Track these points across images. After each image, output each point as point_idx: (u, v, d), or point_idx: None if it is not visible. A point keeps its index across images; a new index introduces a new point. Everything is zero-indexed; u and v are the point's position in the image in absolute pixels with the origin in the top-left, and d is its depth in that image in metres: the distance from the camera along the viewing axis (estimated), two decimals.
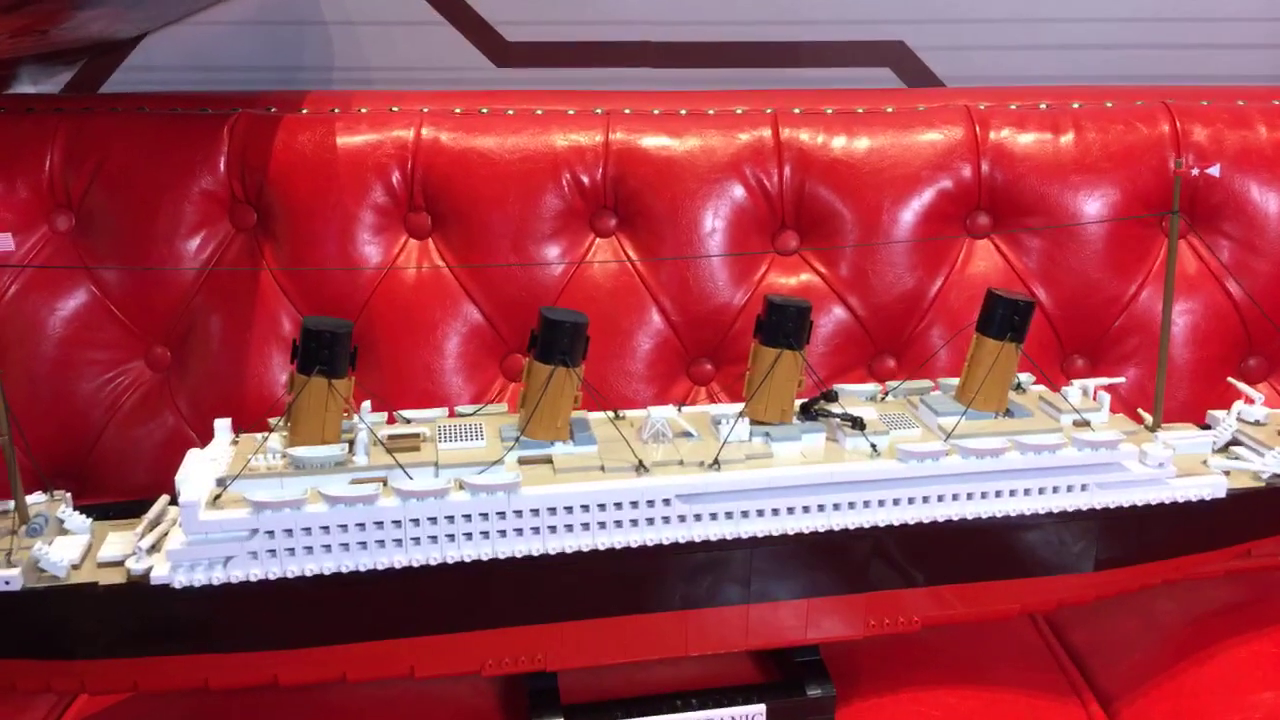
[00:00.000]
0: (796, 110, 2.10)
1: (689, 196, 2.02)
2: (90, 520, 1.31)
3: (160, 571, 1.20)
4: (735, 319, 2.03)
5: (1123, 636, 1.57)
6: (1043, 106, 2.08)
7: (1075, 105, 2.08)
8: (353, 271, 2.05)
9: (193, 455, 1.31)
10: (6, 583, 1.17)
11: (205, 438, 2.02)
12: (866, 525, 1.31)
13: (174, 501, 1.34)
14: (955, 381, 1.46)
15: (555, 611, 1.29)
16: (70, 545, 1.26)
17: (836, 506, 1.30)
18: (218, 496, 1.22)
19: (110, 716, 1.42)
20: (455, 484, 1.24)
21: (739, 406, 1.37)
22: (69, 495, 1.34)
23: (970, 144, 2.02)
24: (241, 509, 1.21)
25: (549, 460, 1.31)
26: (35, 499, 1.32)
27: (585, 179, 2.03)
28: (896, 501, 1.31)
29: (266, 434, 1.28)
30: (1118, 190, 2.01)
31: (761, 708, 1.33)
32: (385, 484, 1.25)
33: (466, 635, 1.28)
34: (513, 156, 2.03)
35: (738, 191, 2.03)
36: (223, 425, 1.37)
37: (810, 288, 2.04)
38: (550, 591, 1.28)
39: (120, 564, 1.24)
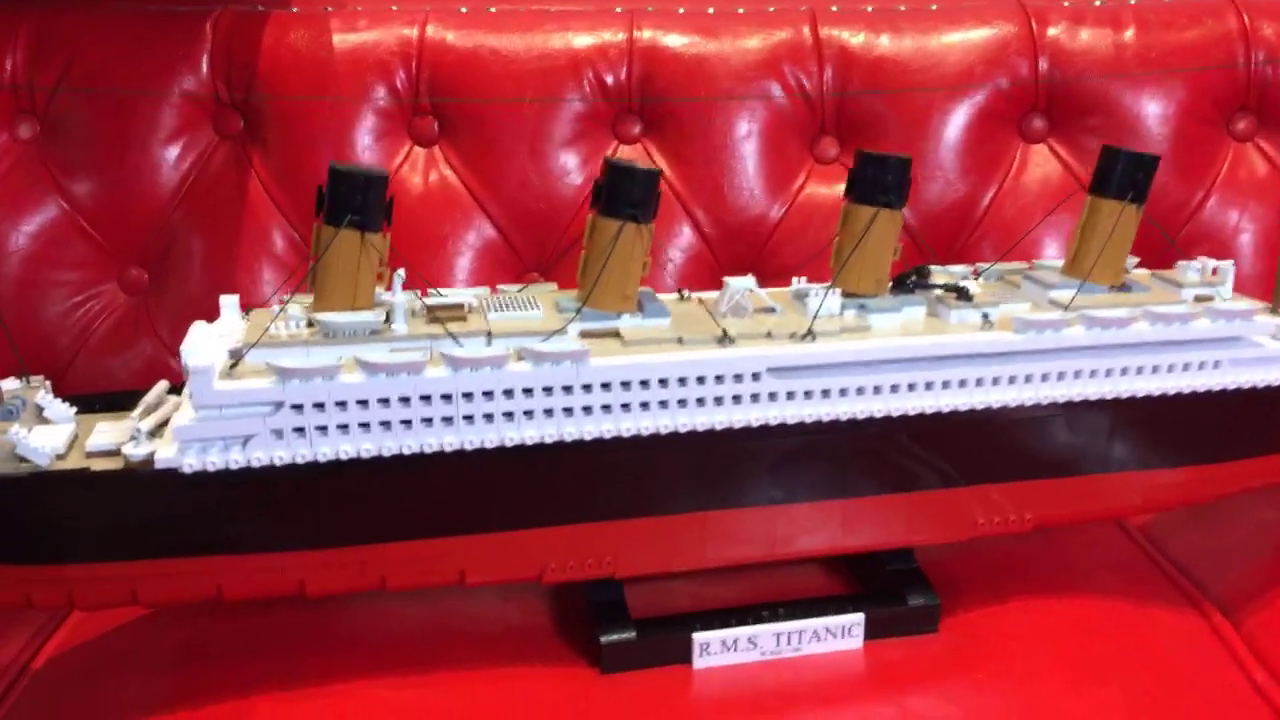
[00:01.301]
0: (834, 8, 1.93)
1: (723, 96, 1.85)
2: (74, 410, 1.11)
3: (166, 454, 1.00)
4: (772, 232, 1.86)
5: (1227, 548, 1.42)
6: (1097, 2, 1.94)
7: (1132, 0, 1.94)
8: None
9: (199, 327, 1.12)
10: None
11: None
12: (978, 407, 1.15)
13: (174, 390, 1.15)
14: (1057, 263, 1.31)
15: (626, 506, 1.11)
16: (52, 434, 1.06)
17: (945, 385, 1.14)
18: (234, 365, 1.02)
19: (99, 649, 1.22)
20: (514, 354, 1.05)
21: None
22: (48, 382, 1.14)
23: (1026, 40, 1.87)
24: (264, 379, 1.01)
25: (616, 334, 1.13)
26: (8, 384, 1.12)
27: (609, 79, 1.85)
28: (1012, 380, 1.15)
29: (287, 297, 1.09)
30: (1184, 89, 1.86)
31: (860, 618, 1.16)
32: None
33: (525, 534, 1.10)
34: (528, 55, 1.85)
35: (775, 93, 1.86)
36: (229, 301, 1.17)
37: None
38: (621, 482, 1.10)
39: (115, 453, 1.04)
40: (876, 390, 1.12)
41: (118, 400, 1.14)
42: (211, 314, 1.83)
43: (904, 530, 1.18)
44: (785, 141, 1.88)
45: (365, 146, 1.85)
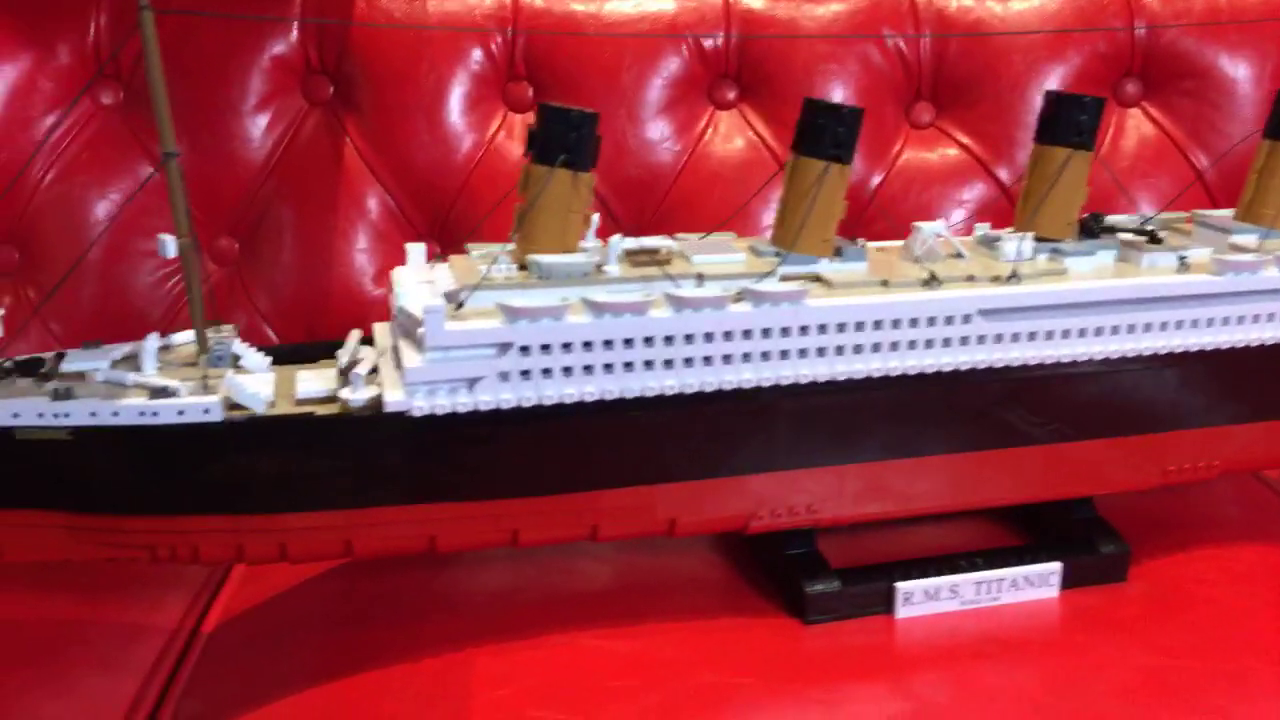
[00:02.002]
0: None
1: (822, 60, 1.83)
2: (269, 359, 1.07)
3: (395, 397, 0.97)
4: (871, 200, 1.85)
5: None
6: None
7: None
8: (449, 149, 1.82)
9: (401, 272, 1.09)
10: (205, 411, 0.93)
11: (288, 338, 1.79)
12: (1176, 350, 1.14)
13: (366, 341, 1.12)
14: (1218, 212, 1.31)
15: (832, 452, 1.10)
16: (259, 383, 1.02)
17: (1147, 328, 1.13)
18: (460, 304, 0.99)
19: (257, 619, 1.18)
20: (734, 295, 1.04)
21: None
22: (236, 328, 1.10)
23: (1121, 2, 1.87)
24: (491, 320, 0.99)
25: (818, 278, 1.11)
26: (185, 335, 1.08)
27: (707, 44, 1.83)
28: (1210, 323, 1.15)
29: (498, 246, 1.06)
30: None
31: (1057, 566, 1.16)
32: None
33: (734, 480, 1.08)
34: (626, 19, 1.82)
35: (874, 57, 1.85)
36: (417, 249, 1.14)
37: (953, 163, 1.88)
38: (828, 429, 1.09)
39: (329, 399, 1.01)
40: (1081, 333, 1.11)
41: (305, 351, 1.11)
42: (309, 284, 1.81)
43: (1096, 477, 1.17)
44: (881, 106, 1.87)
45: (459, 113, 1.81)
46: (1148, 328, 1.13)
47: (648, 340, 1.01)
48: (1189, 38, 1.89)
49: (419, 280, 1.08)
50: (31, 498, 0.96)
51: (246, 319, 1.80)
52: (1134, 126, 1.92)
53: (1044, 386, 1.12)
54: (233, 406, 0.97)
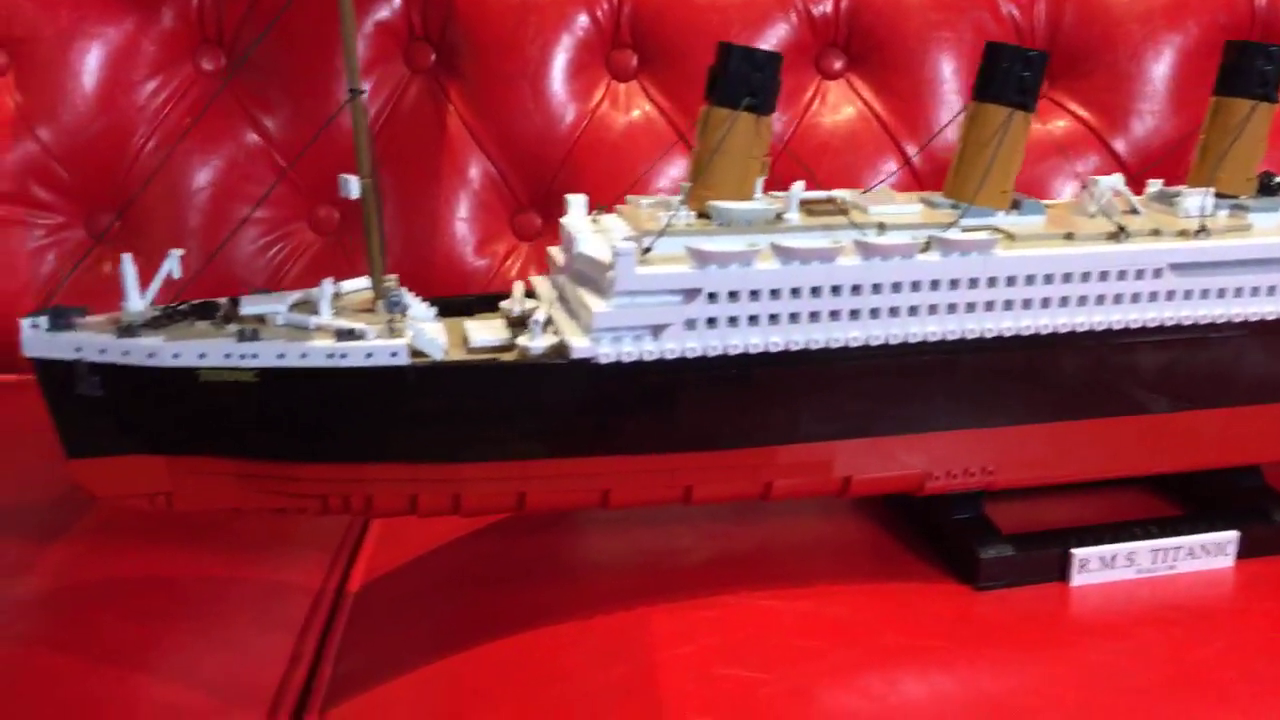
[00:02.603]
0: None
1: (934, 27, 1.79)
2: (434, 310, 1.04)
3: (581, 344, 0.94)
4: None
5: None
6: None
7: None
8: (553, 118, 1.79)
9: (571, 220, 1.06)
10: (393, 354, 0.90)
11: None
12: None
13: (530, 294, 1.09)
14: None
15: (1015, 411, 1.06)
16: (435, 330, 0.99)
17: None
18: (647, 249, 0.96)
19: (405, 578, 1.15)
20: (923, 243, 1.00)
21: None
22: (397, 277, 1.07)
23: None
24: (679, 265, 0.95)
25: (999, 230, 1.07)
26: (356, 283, 1.05)
27: (816, 10, 1.79)
28: None
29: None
30: None
31: (1234, 535, 1.11)
32: None
33: (913, 439, 1.04)
34: None
35: (988, 25, 1.81)
36: (578, 200, 1.11)
37: (1063, 134, 1.83)
38: (1013, 385, 1.05)
39: (505, 348, 0.97)
40: (1271, 291, 1.07)
41: (468, 304, 1.08)
42: (412, 254, 1.78)
43: (1276, 442, 1.13)
44: None
45: (562, 81, 1.78)
46: None
47: (835, 289, 0.97)
48: None
49: (591, 229, 1.05)
50: (206, 444, 0.93)
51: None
52: None
53: (1233, 345, 1.08)
54: (415, 353, 0.94)
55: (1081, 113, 1.84)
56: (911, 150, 1.80)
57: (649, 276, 0.94)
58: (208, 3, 1.76)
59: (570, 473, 0.97)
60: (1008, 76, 1.05)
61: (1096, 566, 1.08)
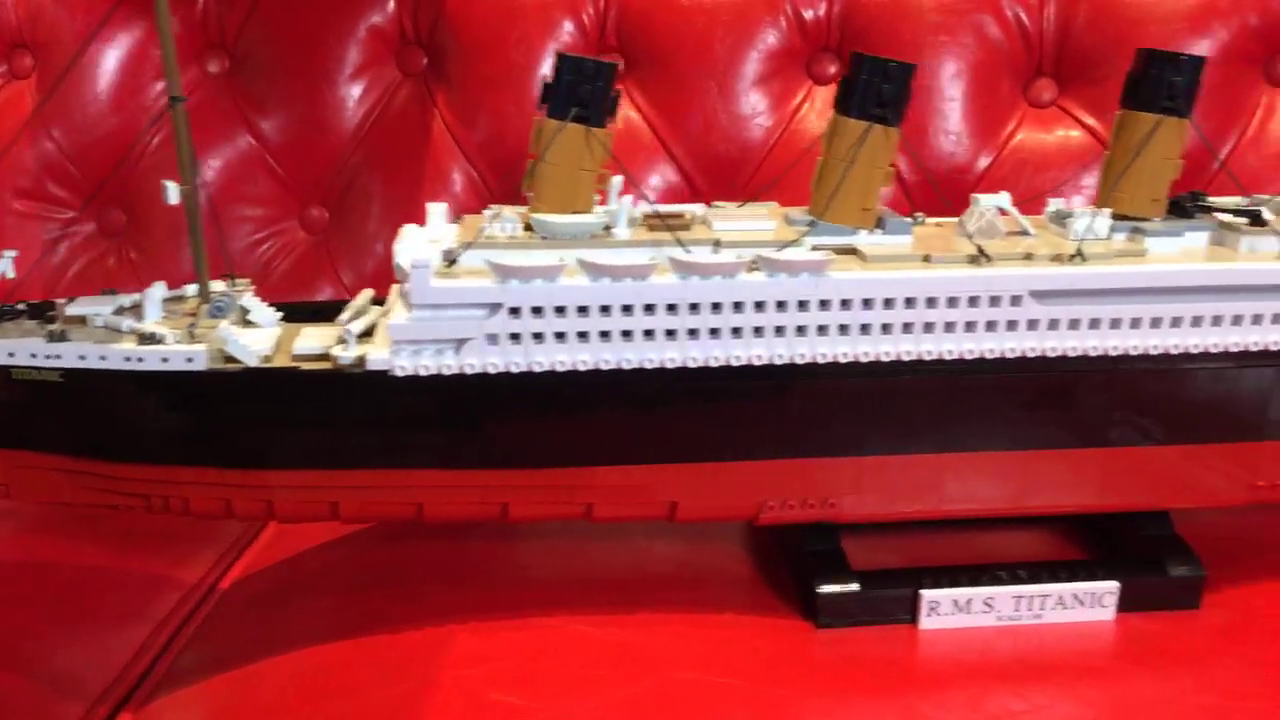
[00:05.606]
0: None
1: (930, 32, 1.71)
2: (279, 315, 1.06)
3: (378, 356, 0.93)
4: (977, 183, 1.71)
5: None
6: None
7: None
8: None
9: (409, 230, 1.06)
10: (189, 360, 0.92)
11: None
12: (1272, 347, 0.99)
13: (377, 301, 1.09)
14: None
15: (856, 442, 1.00)
16: (260, 337, 1.01)
17: (1236, 321, 0.99)
18: (450, 264, 0.95)
19: (288, 571, 1.17)
20: (747, 263, 0.95)
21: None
22: (253, 285, 1.09)
23: None
24: (482, 279, 0.94)
25: (854, 251, 1.01)
26: (214, 286, 1.08)
27: (808, 14, 1.73)
28: None
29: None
30: None
31: (1114, 586, 1.02)
32: None
33: (745, 465, 1.00)
34: None
35: (991, 29, 1.71)
36: (437, 208, 1.10)
37: (1075, 145, 1.72)
38: (854, 414, 0.99)
39: (323, 356, 0.98)
40: (1154, 324, 0.98)
41: (322, 309, 1.09)
42: (390, 254, 1.81)
43: (1169, 491, 1.03)
44: (997, 83, 1.73)
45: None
46: (1237, 320, 0.99)
47: (649, 308, 0.94)
48: None
49: (428, 239, 1.04)
50: (29, 439, 0.97)
51: (330, 289, 1.82)
52: None
53: (1109, 382, 0.99)
54: (228, 359, 0.96)
55: (1091, 122, 1.72)
56: (902, 164, 1.73)
57: (447, 289, 0.93)
58: (211, 7, 1.83)
59: (380, 484, 0.97)
60: (867, 88, 0.99)
61: (949, 610, 1.02)
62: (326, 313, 1.10)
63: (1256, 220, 1.03)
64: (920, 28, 1.72)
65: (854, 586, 1.02)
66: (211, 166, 1.84)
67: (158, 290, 1.01)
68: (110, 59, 1.86)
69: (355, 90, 1.83)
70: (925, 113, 1.72)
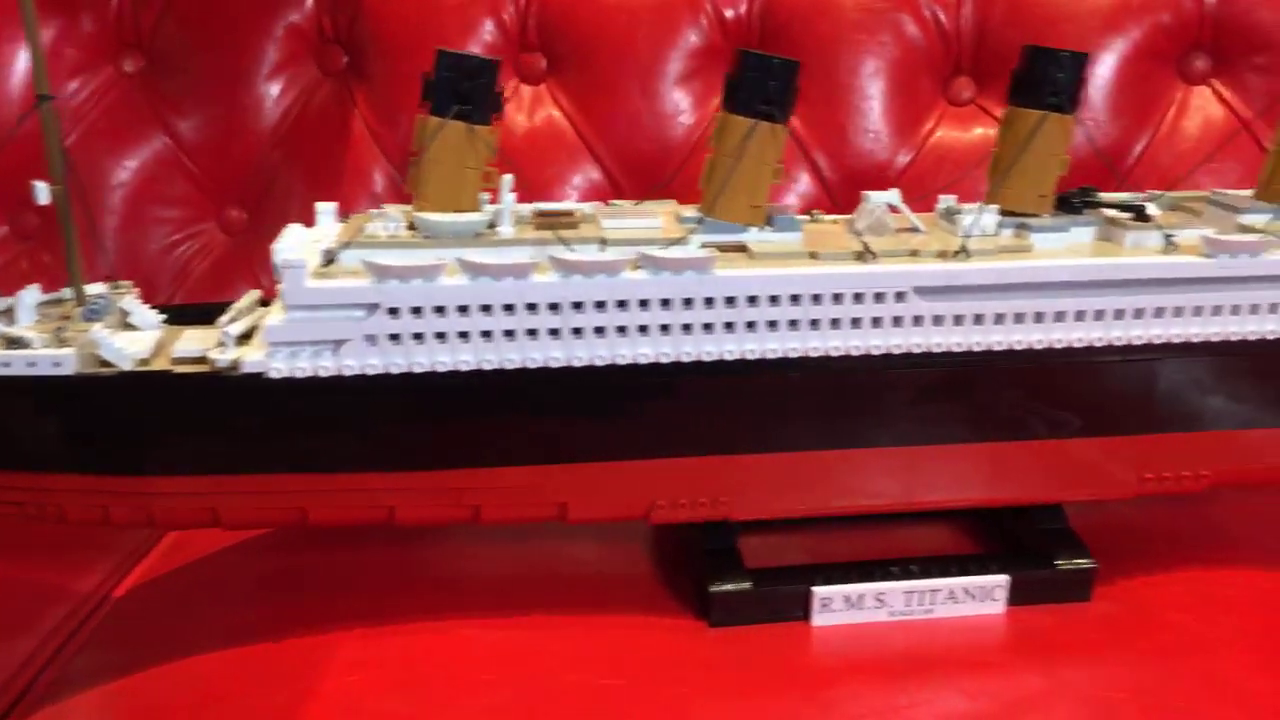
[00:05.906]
0: None
1: (851, 30, 1.71)
2: (161, 318, 1.04)
3: (253, 358, 0.92)
4: (896, 180, 1.72)
5: None
6: None
7: None
8: None
9: (294, 229, 1.04)
10: (56, 364, 0.90)
11: None
12: (1156, 341, 1.00)
13: (264, 302, 1.07)
14: (1238, 192, 1.15)
15: (746, 440, 1.00)
16: (137, 339, 0.99)
17: (1119, 315, 0.99)
18: (328, 264, 0.93)
19: (181, 579, 1.15)
20: (631, 262, 0.95)
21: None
22: (137, 289, 1.07)
23: None
24: (359, 279, 0.92)
25: (742, 248, 1.01)
26: (94, 288, 1.06)
27: (729, 13, 1.73)
28: (1197, 311, 1.00)
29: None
30: None
31: (1004, 579, 1.03)
32: None
33: (633, 465, 0.99)
34: None
35: (909, 28, 1.72)
36: (326, 208, 1.09)
37: (992, 142, 1.72)
38: (742, 412, 0.99)
39: (201, 359, 0.96)
40: (1038, 318, 0.98)
41: (211, 312, 1.07)
42: None
43: (1059, 483, 1.04)
44: (916, 81, 1.74)
45: None
46: (1120, 314, 0.99)
47: (530, 307, 0.93)
48: (1266, 7, 1.70)
49: (312, 238, 1.03)
50: None
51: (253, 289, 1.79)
52: (1199, 106, 1.74)
53: (997, 376, 0.99)
54: (102, 363, 0.94)
55: None
56: (822, 162, 1.74)
57: (323, 290, 0.91)
58: (126, 5, 1.80)
59: (260, 489, 0.95)
60: (754, 86, 0.98)
61: (840, 606, 1.02)
62: (214, 315, 1.09)
63: (1141, 216, 1.03)
64: (840, 26, 1.72)
65: (746, 585, 1.01)
66: (127, 167, 1.80)
67: (30, 294, 0.99)
68: (22, 59, 1.82)
69: (274, 89, 1.80)
70: (845, 111, 1.73)
